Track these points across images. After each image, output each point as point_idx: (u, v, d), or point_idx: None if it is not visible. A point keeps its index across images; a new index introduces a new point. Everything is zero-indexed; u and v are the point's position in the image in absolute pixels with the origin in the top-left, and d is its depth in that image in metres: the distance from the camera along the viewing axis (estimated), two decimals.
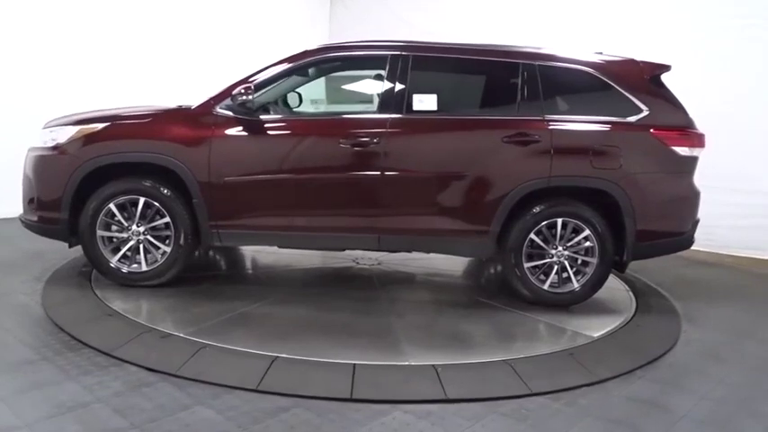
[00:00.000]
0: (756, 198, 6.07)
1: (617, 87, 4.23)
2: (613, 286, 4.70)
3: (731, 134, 5.76)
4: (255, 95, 4.14)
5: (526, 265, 4.22)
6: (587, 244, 4.21)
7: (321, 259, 5.23)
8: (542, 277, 4.26)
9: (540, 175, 4.12)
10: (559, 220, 4.17)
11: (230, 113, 4.16)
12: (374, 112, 4.26)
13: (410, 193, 4.16)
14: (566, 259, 4.23)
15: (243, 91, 4.05)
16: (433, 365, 3.22)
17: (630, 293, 4.73)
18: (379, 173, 4.11)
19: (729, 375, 3.43)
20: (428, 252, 4.40)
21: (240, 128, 4.15)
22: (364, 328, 3.73)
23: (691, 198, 4.34)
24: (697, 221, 4.41)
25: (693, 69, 5.84)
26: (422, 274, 5.03)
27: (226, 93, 4.18)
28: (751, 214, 6.07)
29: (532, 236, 4.19)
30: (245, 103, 4.08)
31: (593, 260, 4.21)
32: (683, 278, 5.37)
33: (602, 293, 4.32)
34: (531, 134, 4.13)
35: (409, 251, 4.49)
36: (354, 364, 3.18)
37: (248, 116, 4.16)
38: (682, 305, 4.59)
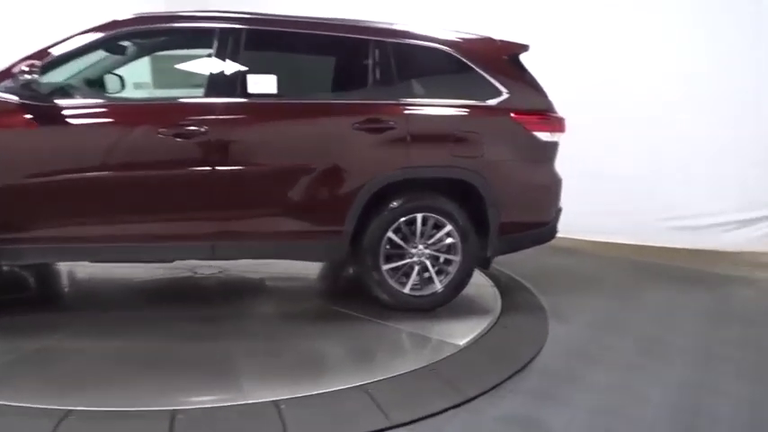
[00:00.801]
0: (612, 183, 6.06)
1: (475, 68, 3.87)
2: (478, 283, 4.38)
3: (586, 119, 5.67)
4: (48, 74, 3.33)
5: (384, 267, 3.76)
6: (449, 240, 3.83)
7: (155, 270, 4.47)
8: (403, 279, 3.83)
9: (397, 166, 3.67)
10: (419, 216, 3.75)
11: (13, 98, 3.29)
12: (201, 97, 3.57)
13: (247, 190, 3.54)
14: (427, 258, 3.82)
15: (26, 69, 3.21)
16: (274, 402, 2.65)
17: (495, 289, 4.44)
18: (208, 168, 3.45)
19: (600, 378, 3.18)
20: (273, 258, 3.82)
21: (26, 115, 3.31)
22: (194, 360, 3.08)
23: (553, 186, 4.09)
24: (560, 210, 4.18)
25: (551, 52, 5.68)
26: (271, 281, 4.44)
27: (6, 72, 3.31)
28: (607, 201, 6.06)
29: (390, 234, 3.73)
30: (30, 85, 3.24)
31: (457, 258, 3.84)
32: (547, 268, 5.19)
33: (466, 292, 3.97)
34: (385, 120, 3.66)
35: (251, 259, 3.88)
36: (174, 410, 2.54)
37: (38, 101, 3.32)
38: (547, 299, 4.36)
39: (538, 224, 4.06)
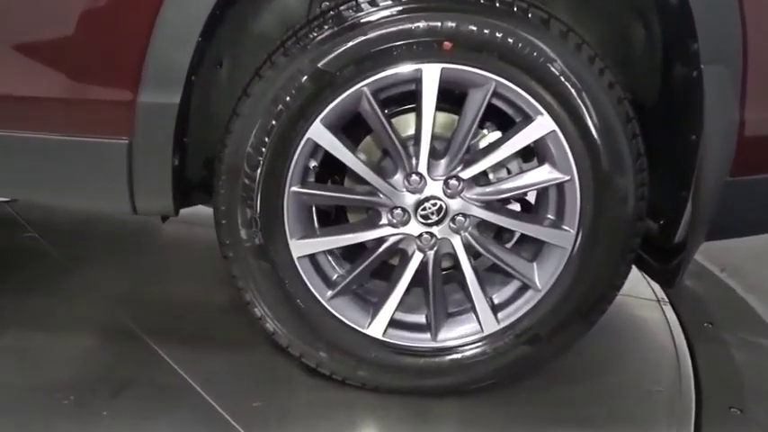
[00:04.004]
0: None
1: None
2: (632, 293, 1.58)
3: None
4: None
5: (298, 248, 1.09)
6: (544, 174, 1.07)
7: None
8: (367, 292, 1.15)
9: None
10: (428, 75, 0.99)
11: None
12: None
13: None
14: (459, 230, 1.10)
15: None
16: None
17: (669, 320, 1.61)
18: None
19: None
20: None
21: None
22: None
23: None
24: None
25: None
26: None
27: None
28: None
29: (322, 136, 1.03)
30: None
31: (566, 235, 1.08)
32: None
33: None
34: None
35: None
36: None
37: None
38: None
39: None
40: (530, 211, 1.21)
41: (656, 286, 1.77)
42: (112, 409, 1.10)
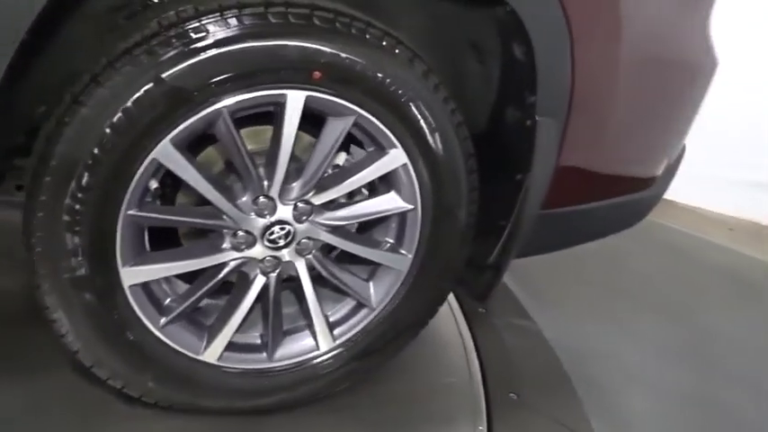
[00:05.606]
0: None
1: None
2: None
3: None
4: None
5: (130, 276, 0.98)
6: (392, 204, 1.09)
7: None
8: (201, 312, 1.08)
9: None
10: (291, 98, 0.94)
11: None
12: None
13: None
14: (314, 254, 1.08)
15: None
16: None
17: (452, 308, 1.80)
18: None
19: None
20: None
21: None
22: None
23: (696, 78, 1.41)
24: (682, 152, 1.55)
25: None
26: None
27: None
28: None
29: (174, 160, 0.91)
30: None
31: (403, 259, 1.14)
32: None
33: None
34: None
35: None
36: None
37: None
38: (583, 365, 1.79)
39: (634, 183, 1.41)
40: (363, 232, 1.23)
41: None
42: None
